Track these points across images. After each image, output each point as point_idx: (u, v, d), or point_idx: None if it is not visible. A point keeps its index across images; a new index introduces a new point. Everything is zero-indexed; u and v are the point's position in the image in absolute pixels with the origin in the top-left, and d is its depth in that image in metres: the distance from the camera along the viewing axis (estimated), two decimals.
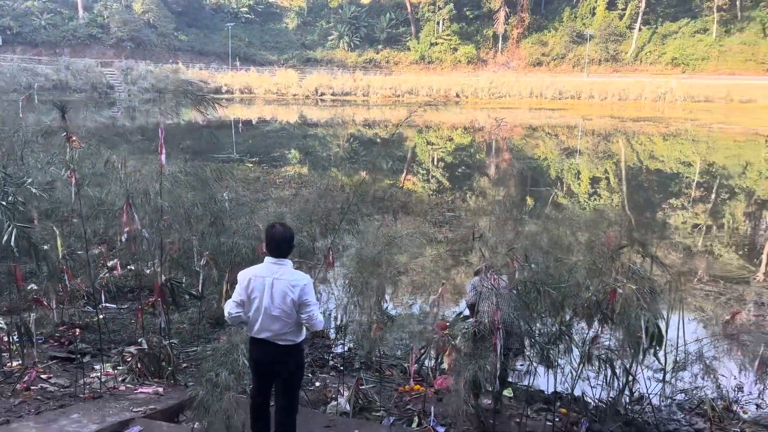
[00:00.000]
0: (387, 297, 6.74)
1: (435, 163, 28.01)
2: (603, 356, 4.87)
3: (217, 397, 4.05)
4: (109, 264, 8.69)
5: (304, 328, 4.09)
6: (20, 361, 5.42)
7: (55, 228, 5.35)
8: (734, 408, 6.15)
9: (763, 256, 13.07)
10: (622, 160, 28.02)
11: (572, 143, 33.88)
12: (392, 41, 72.32)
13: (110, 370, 5.65)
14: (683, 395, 6.44)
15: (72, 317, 7.14)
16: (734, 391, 6.41)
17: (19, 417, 4.39)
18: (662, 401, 6.16)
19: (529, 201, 18.36)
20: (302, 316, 3.98)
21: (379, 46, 72.31)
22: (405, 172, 24.22)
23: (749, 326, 6.36)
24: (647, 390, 6.01)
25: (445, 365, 5.24)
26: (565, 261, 4.80)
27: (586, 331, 5.04)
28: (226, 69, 61.93)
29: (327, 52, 71.79)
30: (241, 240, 5.68)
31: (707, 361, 6.00)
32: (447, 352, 5.06)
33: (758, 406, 6.22)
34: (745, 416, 6.05)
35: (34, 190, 5.46)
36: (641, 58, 61.86)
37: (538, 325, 5.04)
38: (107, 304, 7.85)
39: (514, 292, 5.02)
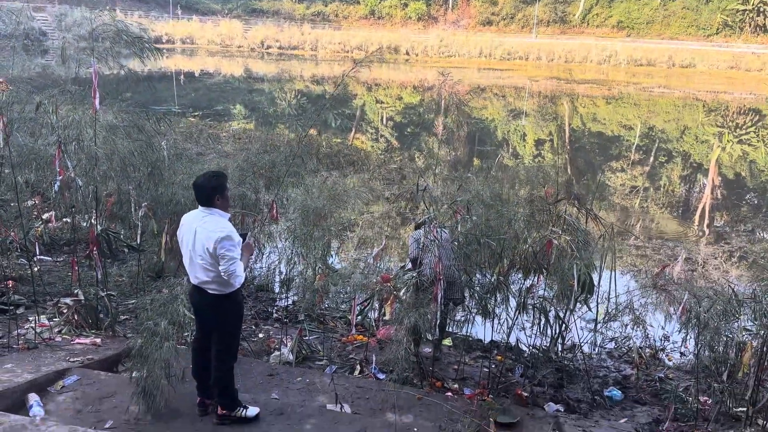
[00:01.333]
0: (333, 252, 6.76)
1: (384, 122, 27.85)
2: (537, 305, 5.04)
3: (156, 346, 4.02)
4: (44, 216, 8.41)
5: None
6: None
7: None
8: (660, 356, 6.52)
9: (696, 217, 13.65)
10: (566, 123, 28.50)
11: (519, 104, 34.24)
12: None
13: (45, 322, 5.52)
14: (613, 344, 6.80)
15: (5, 269, 6.89)
16: (660, 340, 6.78)
17: None
18: (593, 349, 6.48)
19: (476, 162, 18.55)
20: (220, 267, 3.89)
21: None
22: (354, 130, 24.04)
23: (677, 280, 6.69)
24: (579, 339, 6.31)
25: (386, 315, 5.33)
26: (504, 213, 4.89)
27: (523, 282, 5.20)
28: (167, 18, 59.32)
29: (274, 3, 69.55)
30: (180, 191, 5.55)
31: (636, 312, 6.32)
32: (389, 302, 5.14)
33: (682, 354, 6.60)
34: (670, 363, 6.42)
35: None
36: (588, 21, 62.47)
37: (477, 276, 5.17)
38: (42, 257, 7.62)
39: (455, 243, 5.13)
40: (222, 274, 3.87)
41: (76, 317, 5.42)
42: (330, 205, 5.62)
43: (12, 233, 6.93)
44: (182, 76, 37.89)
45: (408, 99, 35.98)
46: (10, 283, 6.57)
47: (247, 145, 14.28)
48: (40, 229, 7.88)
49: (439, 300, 4.99)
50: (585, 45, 52.07)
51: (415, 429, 4.24)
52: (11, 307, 5.74)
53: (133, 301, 6.20)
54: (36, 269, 7.06)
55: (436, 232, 4.95)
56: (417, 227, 5.83)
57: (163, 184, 5.64)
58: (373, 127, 26.01)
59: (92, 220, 5.43)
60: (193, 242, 3.88)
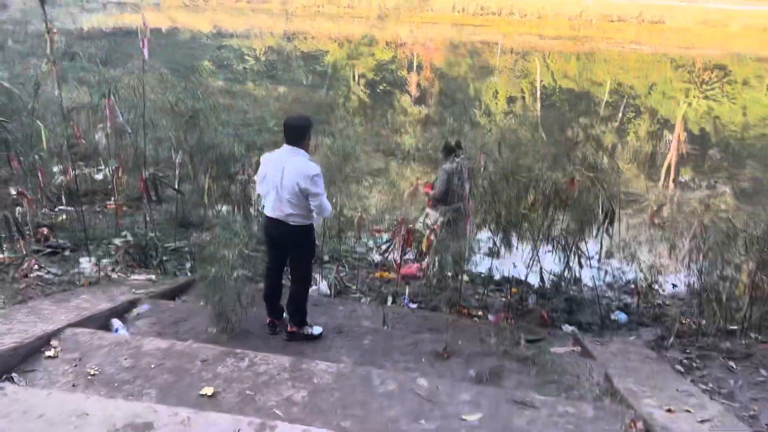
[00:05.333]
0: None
1: (356, 79, 27.80)
2: (559, 238, 5.59)
3: (228, 274, 4.44)
4: (56, 168, 8.60)
5: (314, 213, 4.44)
6: (5, 254, 5.51)
7: (39, 123, 5.32)
8: (655, 287, 7.17)
9: (662, 171, 14.25)
10: (537, 80, 28.81)
11: (492, 61, 34.42)
12: None
13: (91, 263, 5.84)
14: (612, 277, 7.43)
15: (34, 218, 7.13)
16: (656, 273, 7.42)
17: (30, 298, 4.60)
18: (595, 282, 7.09)
19: (448, 120, 18.82)
20: (312, 203, 4.30)
21: None
22: (326, 89, 24.01)
23: (670, 219, 7.32)
24: (581, 271, 6.90)
25: (423, 248, 5.80)
26: (530, 153, 5.37)
27: (545, 218, 5.73)
28: None
29: None
30: (222, 138, 5.87)
31: (634, 249, 6.94)
32: (427, 238, 5.60)
33: (674, 285, 7.25)
34: (664, 293, 7.08)
35: (6, 85, 5.38)
36: None
37: (503, 211, 5.66)
38: (65, 207, 7.87)
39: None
40: (313, 208, 4.28)
41: (126, 257, 5.77)
42: (360, 150, 6.01)
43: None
44: (148, 32, 36.84)
45: (380, 56, 35.82)
46: (45, 230, 6.84)
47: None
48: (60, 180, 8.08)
49: (468, 233, 5.50)
50: (557, 1, 52.23)
51: (460, 341, 4.76)
52: (60, 250, 6.05)
53: (171, 244, 6.55)
54: (64, 217, 7.34)
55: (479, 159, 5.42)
56: (445, 149, 6.21)
57: (203, 132, 5.93)
58: (345, 85, 25.95)
59: (142, 167, 5.71)
60: (281, 178, 4.24)
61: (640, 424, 3.46)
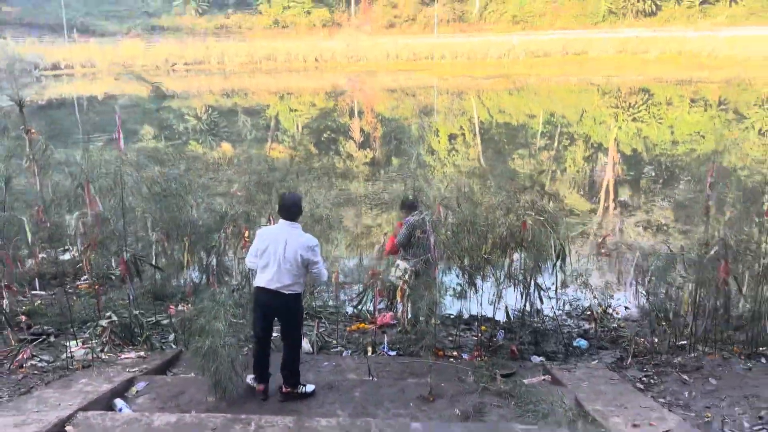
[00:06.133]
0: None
1: (299, 129, 28.13)
2: (518, 275, 6.12)
3: (222, 345, 4.74)
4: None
5: (316, 279, 4.87)
6: None
7: (24, 218, 5.56)
8: (609, 311, 7.76)
9: (601, 194, 15.05)
10: (474, 116, 29.95)
11: (429, 102, 35.65)
12: (242, 5, 70.27)
13: (80, 345, 6.01)
14: (569, 306, 7.99)
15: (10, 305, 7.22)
16: (608, 298, 8.03)
17: (32, 388, 4.77)
18: (555, 312, 7.63)
19: (395, 161, 19.34)
20: (313, 271, 4.76)
21: (229, 11, 70.05)
22: (270, 141, 24.41)
23: (614, 247, 8.00)
24: (542, 305, 7.45)
25: (398, 298, 6.22)
26: (483, 204, 5.92)
27: (504, 260, 6.27)
28: (63, 41, 57.02)
29: (173, 19, 68.30)
30: (200, 214, 6.21)
31: (586, 278, 7.55)
32: (400, 290, 6.04)
33: (626, 308, 7.86)
34: (618, 316, 7.67)
35: None
36: (485, 18, 65.60)
37: (466, 259, 6.16)
38: (37, 292, 7.96)
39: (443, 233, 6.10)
40: (314, 275, 4.77)
41: (112, 337, 5.96)
42: (333, 211, 6.45)
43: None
44: (84, 102, 36.54)
45: (321, 104, 36.59)
46: (23, 318, 6.95)
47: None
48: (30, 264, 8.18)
49: (437, 284, 5.96)
50: (485, 41, 54.65)
51: (442, 383, 5.16)
52: (44, 336, 6.20)
53: (151, 318, 6.76)
54: (37, 302, 7.46)
55: (438, 214, 5.93)
56: (402, 206, 6.69)
57: (179, 210, 6.25)
58: (289, 136, 26.31)
59: (123, 249, 5.98)
60: (283, 251, 4.63)
61: None
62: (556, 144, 22.37)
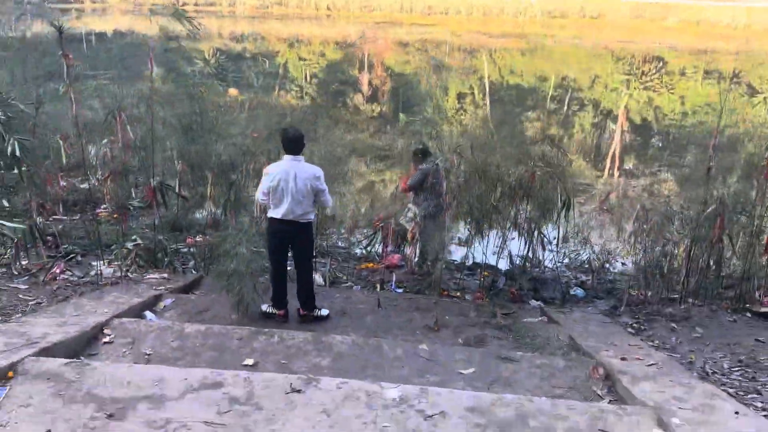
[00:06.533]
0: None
1: (308, 79, 28.03)
2: (524, 224, 6.45)
3: (245, 268, 5.10)
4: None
5: (325, 204, 5.25)
6: (28, 261, 6.01)
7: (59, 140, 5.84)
8: (606, 265, 8.11)
9: (607, 161, 15.26)
10: (485, 76, 29.70)
11: (440, 59, 35.28)
12: None
13: (107, 265, 6.38)
14: (569, 259, 8.35)
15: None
16: (607, 252, 8.37)
17: (67, 297, 5.15)
18: (555, 263, 7.98)
19: (402, 117, 19.39)
20: (321, 198, 5.10)
21: None
22: (278, 89, 24.38)
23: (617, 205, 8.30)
24: (543, 253, 7.79)
25: (408, 238, 6.56)
26: (496, 153, 6.20)
27: (510, 209, 6.58)
28: None
29: None
30: (224, 148, 6.49)
31: (587, 232, 7.86)
32: (411, 232, 6.37)
33: (623, 263, 8.21)
34: (614, 270, 8.03)
35: (22, 107, 5.91)
36: None
37: (476, 204, 6.47)
38: (60, 217, 8.31)
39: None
40: (322, 202, 5.07)
41: (137, 259, 6.32)
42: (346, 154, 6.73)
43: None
44: (93, 37, 36.25)
45: (331, 56, 36.23)
46: (49, 238, 7.31)
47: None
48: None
49: (446, 225, 6.30)
50: None
51: (446, 316, 5.54)
52: (70, 255, 6.56)
53: (173, 245, 7.11)
54: (60, 227, 7.81)
55: (440, 171, 6.23)
56: (415, 154, 6.97)
57: (205, 144, 6.53)
58: (297, 85, 26.15)
59: (151, 177, 6.28)
60: (294, 183, 4.94)
61: (600, 370, 4.30)
62: (565, 108, 22.37)
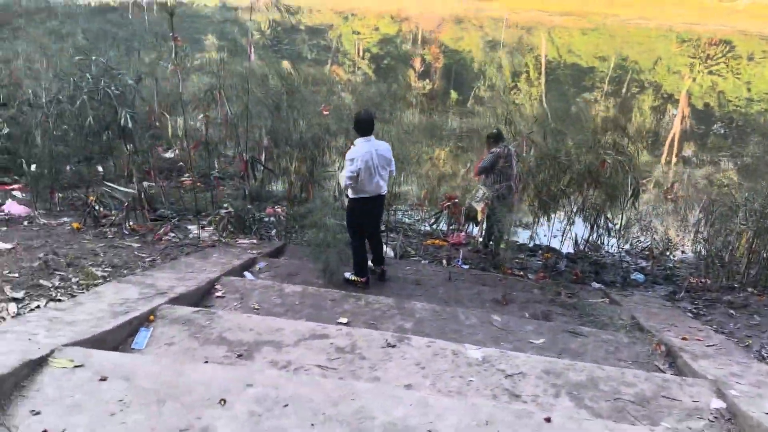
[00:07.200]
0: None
1: (361, 54, 28.05)
2: (591, 208, 6.78)
3: (333, 238, 5.63)
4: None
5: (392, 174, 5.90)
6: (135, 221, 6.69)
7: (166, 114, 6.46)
8: (667, 253, 8.36)
9: (665, 146, 15.18)
10: (542, 55, 29.36)
11: (497, 36, 35.00)
12: None
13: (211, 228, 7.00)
14: (630, 246, 8.62)
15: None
16: (668, 240, 8.60)
17: (175, 257, 5.77)
18: (618, 247, 8.27)
19: (453, 95, 19.28)
20: (391, 169, 5.72)
21: None
22: (330, 63, 24.65)
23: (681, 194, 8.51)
24: (608, 238, 8.10)
25: (478, 216, 6.97)
26: (566, 141, 6.52)
27: (577, 194, 6.91)
28: None
29: None
30: (308, 127, 7.01)
31: (650, 220, 8.11)
32: (482, 209, 6.78)
33: (683, 251, 8.44)
34: (675, 257, 8.28)
35: (130, 81, 6.52)
36: None
37: (545, 188, 6.83)
38: (149, 183, 9.02)
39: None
40: (392, 171, 5.76)
41: (229, 226, 6.93)
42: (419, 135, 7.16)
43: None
44: (155, 5, 36.97)
45: (385, 30, 36.26)
46: (146, 203, 7.99)
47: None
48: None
49: (515, 207, 6.68)
50: None
51: (513, 293, 5.96)
52: (167, 219, 7.22)
53: (259, 214, 7.71)
54: (152, 192, 8.49)
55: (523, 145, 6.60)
56: (488, 138, 7.33)
57: (295, 122, 7.06)
58: (350, 59, 26.19)
59: (240, 150, 6.86)
60: (378, 161, 5.47)
61: (662, 347, 4.66)
62: (624, 90, 22.06)
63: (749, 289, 6.57)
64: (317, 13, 41.19)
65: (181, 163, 9.63)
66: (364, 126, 5.51)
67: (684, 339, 4.82)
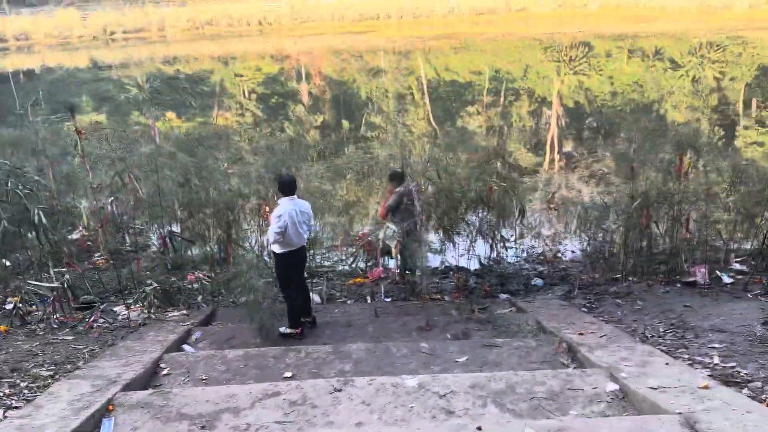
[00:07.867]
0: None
1: (247, 95, 28.20)
2: (486, 231, 7.59)
3: (263, 298, 6.05)
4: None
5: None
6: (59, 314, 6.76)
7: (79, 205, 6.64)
8: (558, 255, 9.35)
9: (547, 147, 16.28)
10: (422, 75, 30.75)
11: (377, 63, 36.27)
12: None
13: (130, 309, 7.16)
14: (526, 253, 9.55)
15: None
16: (557, 244, 9.61)
17: (112, 343, 5.95)
18: (516, 258, 9.16)
19: (345, 124, 19.80)
20: (311, 224, 6.39)
21: None
22: (216, 108, 24.78)
23: (561, 201, 9.58)
24: (505, 252, 8.97)
25: (393, 252, 7.59)
26: (460, 174, 7.32)
27: (473, 218, 7.72)
28: None
29: None
30: (218, 196, 7.39)
31: (539, 229, 9.08)
32: (395, 246, 7.40)
33: (572, 251, 9.47)
34: (565, 258, 9.28)
35: (36, 178, 6.67)
36: None
37: (445, 219, 7.57)
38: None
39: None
40: (311, 227, 6.47)
41: (155, 300, 7.14)
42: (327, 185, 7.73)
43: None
44: (21, 76, 35.36)
45: (267, 69, 36.64)
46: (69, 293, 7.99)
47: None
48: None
49: (423, 239, 7.35)
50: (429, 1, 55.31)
51: (434, 318, 6.61)
52: (93, 304, 7.32)
53: (180, 284, 7.93)
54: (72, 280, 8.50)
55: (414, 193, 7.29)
56: (391, 177, 7.95)
57: (204, 190, 7.41)
58: (236, 102, 26.29)
59: (165, 226, 7.13)
60: (299, 217, 6.03)
61: (564, 345, 5.44)
62: (502, 100, 23.55)
63: (630, 278, 7.59)
64: (194, 61, 40.93)
65: (89, 242, 9.65)
66: (288, 186, 6.14)
67: (581, 334, 5.63)
